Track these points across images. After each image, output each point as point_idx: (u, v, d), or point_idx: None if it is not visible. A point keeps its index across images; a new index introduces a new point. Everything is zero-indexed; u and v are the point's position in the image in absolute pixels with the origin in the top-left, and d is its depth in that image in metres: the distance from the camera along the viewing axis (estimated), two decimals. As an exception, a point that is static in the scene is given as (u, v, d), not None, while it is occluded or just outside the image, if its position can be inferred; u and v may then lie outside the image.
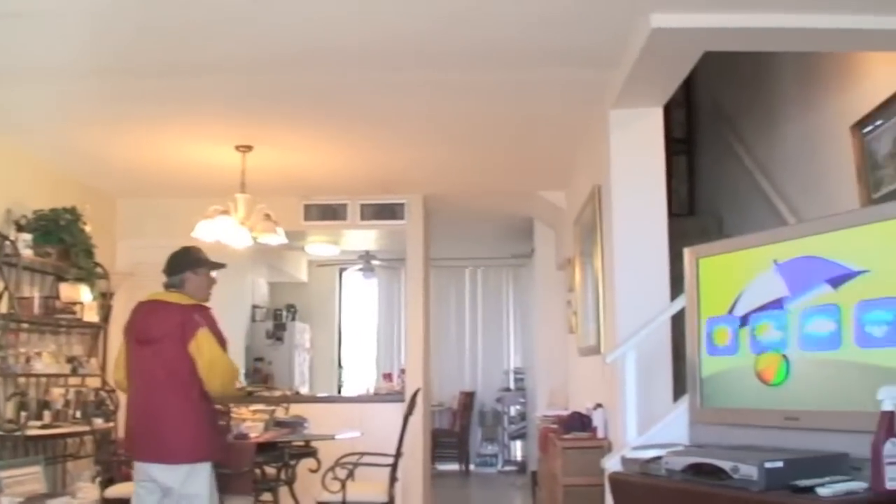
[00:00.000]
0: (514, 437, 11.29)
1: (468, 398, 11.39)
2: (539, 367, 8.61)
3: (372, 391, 8.18)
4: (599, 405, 5.22)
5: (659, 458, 3.22)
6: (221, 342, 4.21)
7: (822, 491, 2.53)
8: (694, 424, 3.59)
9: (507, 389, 11.51)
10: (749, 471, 2.73)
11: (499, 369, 11.84)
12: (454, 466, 11.08)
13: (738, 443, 3.23)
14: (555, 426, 6.05)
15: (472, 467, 11.27)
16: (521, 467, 10.91)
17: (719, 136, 6.62)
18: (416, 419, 6.76)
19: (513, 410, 11.31)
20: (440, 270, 11.44)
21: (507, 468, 11.22)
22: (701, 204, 7.04)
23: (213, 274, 4.47)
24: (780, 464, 2.72)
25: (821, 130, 4.86)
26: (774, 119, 5.65)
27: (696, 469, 2.98)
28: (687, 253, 3.69)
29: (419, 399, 6.28)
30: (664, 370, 4.72)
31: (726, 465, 2.82)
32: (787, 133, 5.41)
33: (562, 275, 8.48)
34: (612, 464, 3.79)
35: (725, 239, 3.89)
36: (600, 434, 5.19)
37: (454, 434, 11.13)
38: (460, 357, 11.86)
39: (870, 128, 4.22)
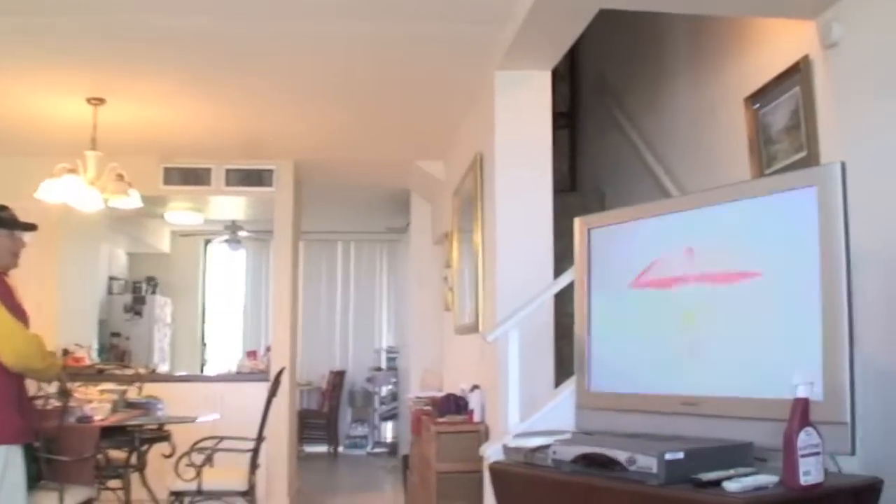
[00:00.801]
0: (385, 419, 10.97)
1: (338, 377, 11.00)
2: (413, 347, 8.29)
3: (235, 370, 7.69)
4: (476, 387, 4.93)
5: (545, 447, 2.92)
6: (18, 313, 3.63)
7: (729, 486, 2.27)
8: (581, 410, 3.32)
9: (379, 369, 11.16)
10: (647, 462, 2.45)
11: (370, 348, 11.48)
12: (323, 448, 10.69)
13: (630, 430, 2.95)
14: (428, 408, 5.74)
15: (341, 449, 10.90)
16: (392, 449, 10.61)
17: (603, 111, 6.41)
18: (282, 400, 6.35)
19: (384, 390, 10.98)
20: (311, 244, 10.99)
21: (378, 450, 10.90)
22: (583, 180, 6.83)
23: (26, 238, 3.86)
24: (680, 455, 2.45)
25: (712, 104, 4.67)
26: (662, 92, 5.45)
27: (588, 460, 2.68)
28: (578, 223, 3.40)
29: (284, 379, 5.86)
30: (547, 351, 4.48)
31: (621, 455, 2.54)
32: (675, 106, 5.22)
33: (438, 250, 8.19)
34: (492, 452, 3.49)
35: (619, 208, 3.61)
36: (477, 418, 4.90)
37: (323, 415, 10.73)
38: (330, 335, 11.44)
39: (763, 101, 4.04)
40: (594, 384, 3.26)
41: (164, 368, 9.74)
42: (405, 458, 6.71)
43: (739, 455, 2.52)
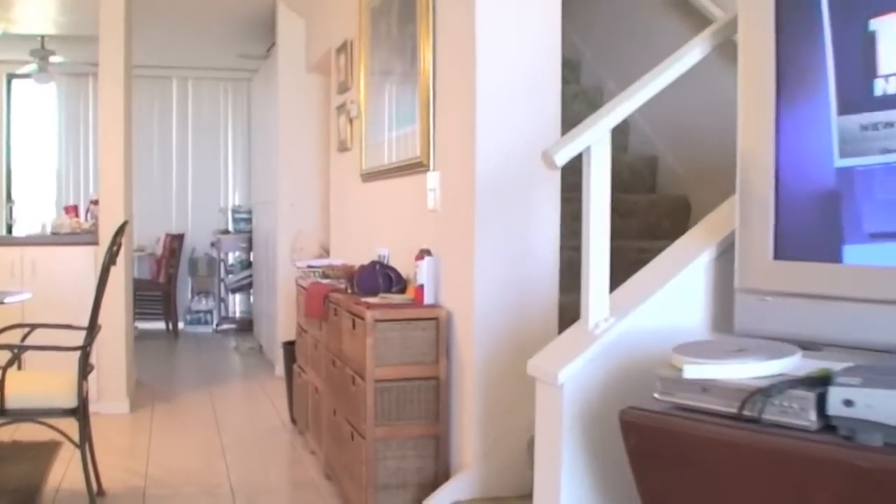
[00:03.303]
0: (233, 290, 9.26)
1: (176, 242, 9.13)
2: (279, 202, 6.59)
3: (49, 230, 5.75)
4: (427, 252, 3.37)
5: (785, 384, 1.44)
6: None
7: None
8: (748, 296, 1.86)
9: (226, 232, 9.36)
10: None
11: (214, 207, 9.62)
12: (159, 325, 8.92)
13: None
14: (337, 283, 4.15)
15: (181, 326, 9.15)
16: (243, 325, 8.98)
17: None
18: (116, 269, 4.57)
19: (231, 258, 9.24)
20: (140, 81, 8.85)
21: (225, 326, 9.23)
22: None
23: None
24: None
25: None
26: None
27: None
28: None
29: (124, 240, 4.10)
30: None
31: None
32: None
33: (315, 79, 6.43)
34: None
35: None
36: (429, 297, 3.36)
37: (158, 286, 8.90)
38: (165, 192, 9.49)
39: None
40: (784, 249, 1.78)
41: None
42: (288, 348, 5.11)
43: None
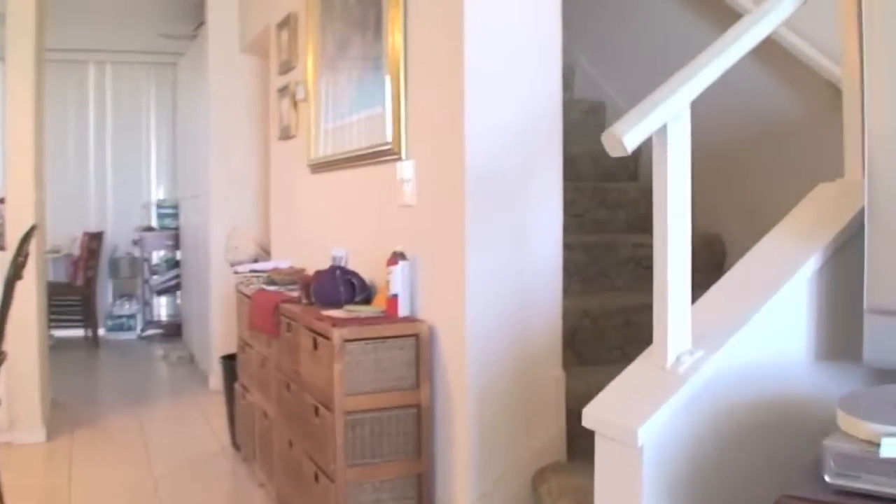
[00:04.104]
0: (159, 292, 8.57)
1: (95, 241, 8.39)
2: (211, 196, 5.97)
3: (-53, 232, 5.05)
4: (401, 256, 2.83)
5: None
6: None
7: None
8: (880, 315, 1.37)
9: (149, 229, 8.66)
10: None
11: (136, 202, 8.90)
12: (77, 333, 8.19)
13: None
14: (287, 291, 3.59)
15: (102, 333, 8.43)
16: (171, 330, 8.31)
17: None
18: (28, 275, 3.93)
19: (156, 257, 8.55)
20: (53, 66, 8.11)
21: (151, 332, 8.54)
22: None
23: None
24: None
25: None
26: None
27: None
28: None
29: (35, 244, 3.48)
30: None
31: None
32: None
33: (250, 60, 5.83)
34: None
35: None
36: (404, 309, 2.83)
37: (76, 290, 8.16)
38: (83, 186, 8.73)
39: None
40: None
41: None
42: (227, 363, 4.51)
43: None
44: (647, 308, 3.16)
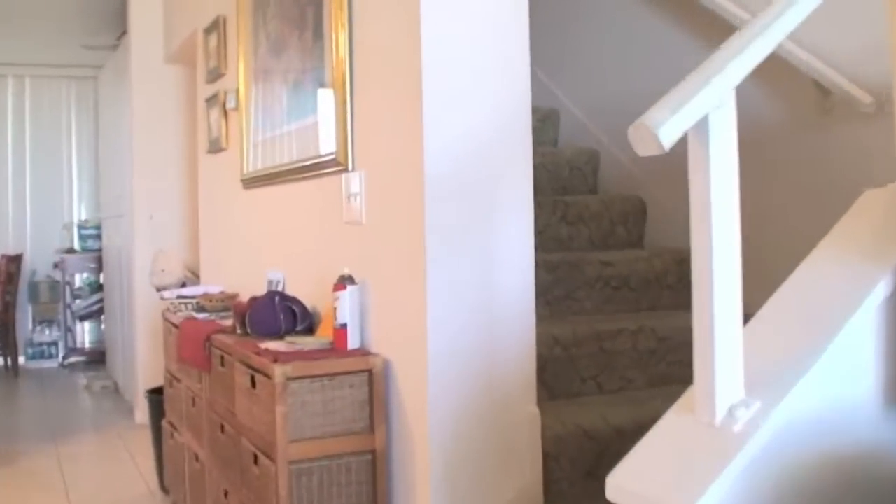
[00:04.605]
0: (82, 318, 8.07)
1: (13, 264, 7.86)
2: (136, 215, 5.55)
3: None
4: (349, 279, 2.50)
5: None
6: None
7: None
8: None
9: (71, 250, 8.17)
10: None
11: (57, 223, 8.39)
12: (-6, 362, 7.67)
13: None
14: (219, 319, 3.24)
15: (22, 361, 7.89)
16: (94, 358, 7.81)
17: None
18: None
19: (79, 280, 8.05)
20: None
21: (73, 360, 8.03)
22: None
23: None
24: None
25: None
26: None
27: None
28: None
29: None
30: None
31: None
32: None
33: (177, 70, 5.46)
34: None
35: None
36: (353, 341, 2.50)
37: (-8, 316, 7.64)
38: (0, 206, 8.22)
39: None
40: None
41: None
42: (154, 398, 4.11)
43: None
44: (622, 333, 2.90)
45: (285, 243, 3.24)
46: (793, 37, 2.91)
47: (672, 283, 3.33)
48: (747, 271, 3.00)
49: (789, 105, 3.02)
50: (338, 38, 2.57)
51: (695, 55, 3.54)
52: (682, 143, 3.44)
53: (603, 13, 3.99)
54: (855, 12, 2.74)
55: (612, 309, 3.20)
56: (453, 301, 2.19)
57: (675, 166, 3.64)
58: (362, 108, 2.52)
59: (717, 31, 3.30)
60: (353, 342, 2.48)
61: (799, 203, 3.01)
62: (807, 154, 2.96)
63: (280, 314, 2.76)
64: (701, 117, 1.28)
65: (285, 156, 3.16)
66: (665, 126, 1.21)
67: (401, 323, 2.32)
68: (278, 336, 2.70)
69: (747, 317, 3.10)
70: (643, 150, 1.25)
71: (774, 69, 2.99)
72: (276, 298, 2.81)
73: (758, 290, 3.20)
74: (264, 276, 3.33)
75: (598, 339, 2.79)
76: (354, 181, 2.55)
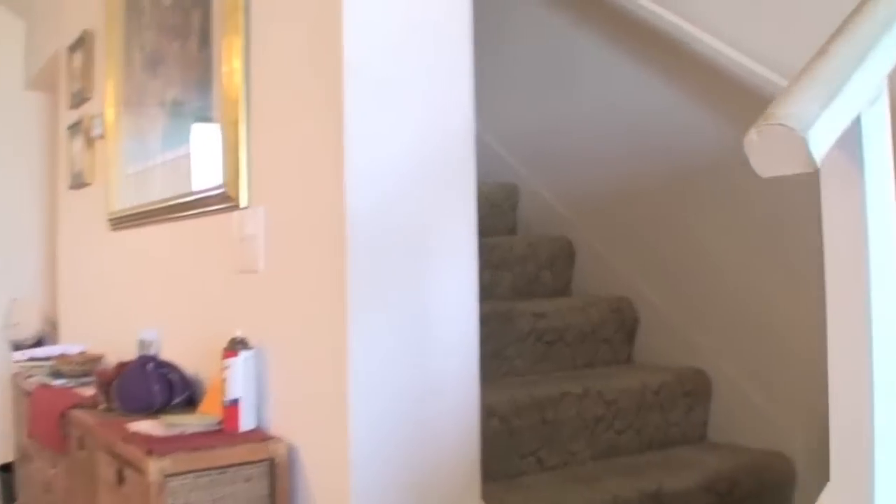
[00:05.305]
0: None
1: None
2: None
3: None
4: (242, 343, 2.00)
5: None
6: None
7: None
8: None
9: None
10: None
11: None
12: None
13: None
14: (80, 388, 2.68)
15: None
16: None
17: None
18: None
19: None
20: None
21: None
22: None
23: None
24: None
25: None
26: None
27: None
28: None
29: None
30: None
31: None
32: None
33: (38, 98, 4.85)
34: None
35: None
36: (246, 422, 1.99)
37: None
38: None
39: None
40: None
41: None
42: (4, 477, 3.47)
43: None
44: (566, 398, 2.48)
45: (161, 296, 2.71)
46: (749, 50, 2.60)
47: (609, 336, 2.94)
48: (704, 324, 2.61)
49: (739, 131, 2.69)
50: (230, 45, 2.09)
51: (620, 79, 3.22)
52: (614, 169, 3.04)
53: (519, 36, 3.63)
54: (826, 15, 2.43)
55: (546, 367, 2.79)
56: (381, 370, 1.73)
57: (605, 202, 3.32)
58: (261, 130, 2.05)
59: (643, 52, 2.98)
60: (247, 422, 1.98)
61: (750, 244, 2.68)
62: (759, 184, 2.62)
63: (154, 385, 2.24)
64: (853, 119, 0.86)
65: (162, 191, 2.64)
66: (816, 128, 0.78)
67: (311, 398, 1.84)
68: (152, 413, 2.18)
69: (707, 380, 2.77)
70: (774, 166, 0.81)
71: (735, 91, 2.67)
72: (150, 365, 2.29)
73: (723, 346, 2.86)
74: (135, 335, 2.79)
75: (539, 408, 2.36)
76: (250, 220, 2.07)
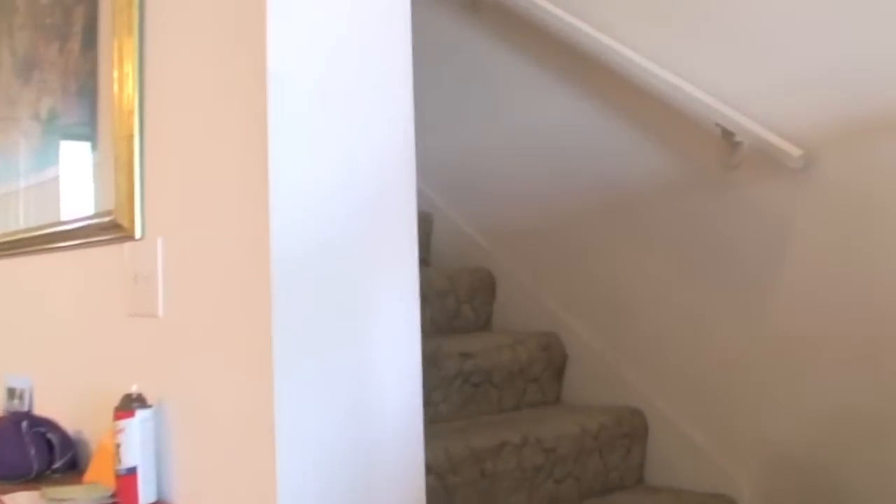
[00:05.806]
0: None
1: None
2: None
3: None
4: (139, 401, 1.68)
5: None
6: None
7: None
8: None
9: None
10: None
11: None
12: None
13: None
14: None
15: None
16: None
17: None
18: None
19: None
20: None
21: None
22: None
23: None
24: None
25: None
26: None
27: None
28: None
29: None
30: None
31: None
32: None
33: None
34: None
35: None
36: (147, 494, 1.67)
37: None
38: None
39: None
40: None
41: None
42: None
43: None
44: (505, 448, 2.23)
45: (34, 339, 2.34)
46: (692, 74, 2.44)
47: (537, 375, 2.72)
48: (637, 360, 2.41)
49: (684, 158, 2.52)
50: (121, 47, 1.77)
51: (541, 101, 3.03)
52: (536, 197, 2.82)
53: (432, 57, 3.40)
54: (775, 39, 2.29)
55: (472, 411, 2.54)
56: (316, 429, 1.45)
57: (527, 231, 3.10)
58: (160, 147, 1.74)
59: (566, 73, 2.80)
60: (146, 495, 1.65)
61: (686, 276, 2.51)
62: (707, 213, 2.46)
63: (30, 448, 1.89)
64: None
65: (33, 217, 2.28)
66: None
67: (226, 466, 1.54)
68: (27, 481, 1.83)
69: (643, 419, 2.57)
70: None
71: (671, 114, 2.50)
72: (25, 424, 1.93)
73: (658, 383, 2.68)
74: (2, 382, 2.40)
75: (477, 461, 2.11)
76: (146, 254, 1.74)
